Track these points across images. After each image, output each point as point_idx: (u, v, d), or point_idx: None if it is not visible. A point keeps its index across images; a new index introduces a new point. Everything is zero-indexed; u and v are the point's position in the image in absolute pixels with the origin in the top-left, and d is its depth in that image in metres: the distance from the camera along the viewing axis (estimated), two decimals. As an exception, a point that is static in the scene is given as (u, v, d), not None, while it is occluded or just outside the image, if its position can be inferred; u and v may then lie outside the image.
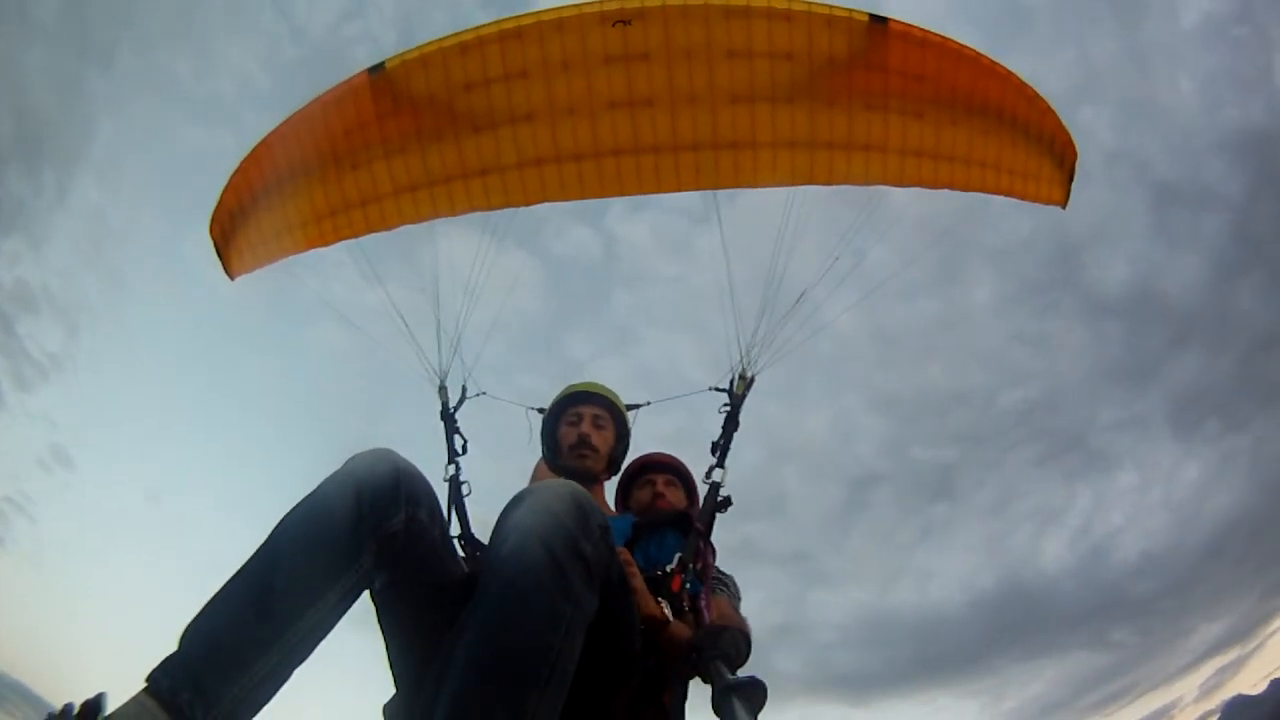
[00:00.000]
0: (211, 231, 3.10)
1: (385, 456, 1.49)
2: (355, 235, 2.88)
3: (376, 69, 2.73)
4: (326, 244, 2.93)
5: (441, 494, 2.63)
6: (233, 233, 3.07)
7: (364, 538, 1.39)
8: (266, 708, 1.28)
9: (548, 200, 2.68)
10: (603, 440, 2.55)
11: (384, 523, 1.42)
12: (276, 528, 1.39)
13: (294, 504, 1.42)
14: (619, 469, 2.69)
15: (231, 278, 3.20)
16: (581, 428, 2.52)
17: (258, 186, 2.96)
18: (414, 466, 1.55)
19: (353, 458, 1.50)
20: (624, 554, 1.93)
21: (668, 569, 2.16)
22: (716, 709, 1.54)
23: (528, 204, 2.68)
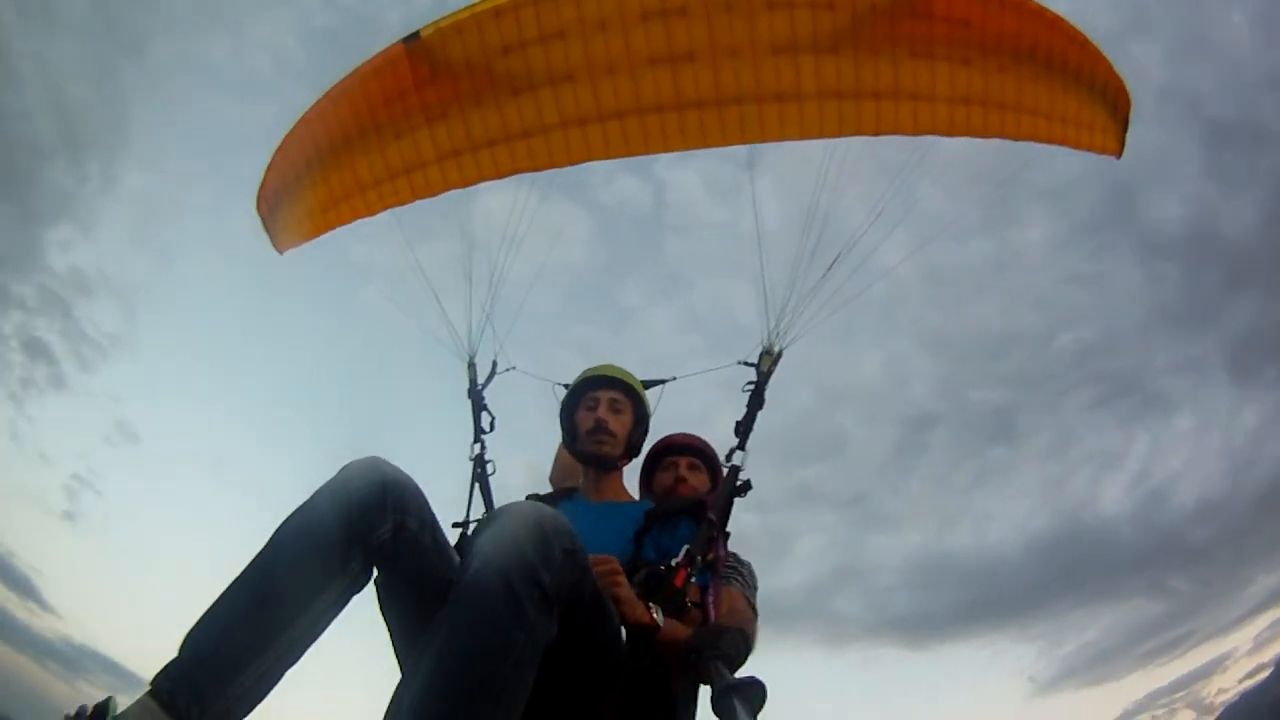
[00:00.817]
0: (259, 209, 3.15)
1: (375, 466, 1.56)
2: (401, 203, 2.89)
3: (412, 38, 2.72)
4: (372, 214, 2.95)
5: (462, 477, 2.65)
6: (279, 209, 3.12)
7: (352, 547, 1.47)
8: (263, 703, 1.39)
9: (593, 159, 2.65)
10: (620, 425, 2.49)
11: (372, 533, 1.49)
12: (271, 538, 1.46)
13: (289, 513, 1.49)
14: (638, 453, 2.64)
15: (281, 252, 3.25)
16: (598, 413, 2.48)
17: (300, 162, 2.99)
18: (404, 475, 1.60)
19: (344, 467, 1.56)
20: (609, 562, 1.90)
21: (673, 563, 2.13)
22: (716, 709, 1.54)
23: (572, 163, 2.66)
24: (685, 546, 2.16)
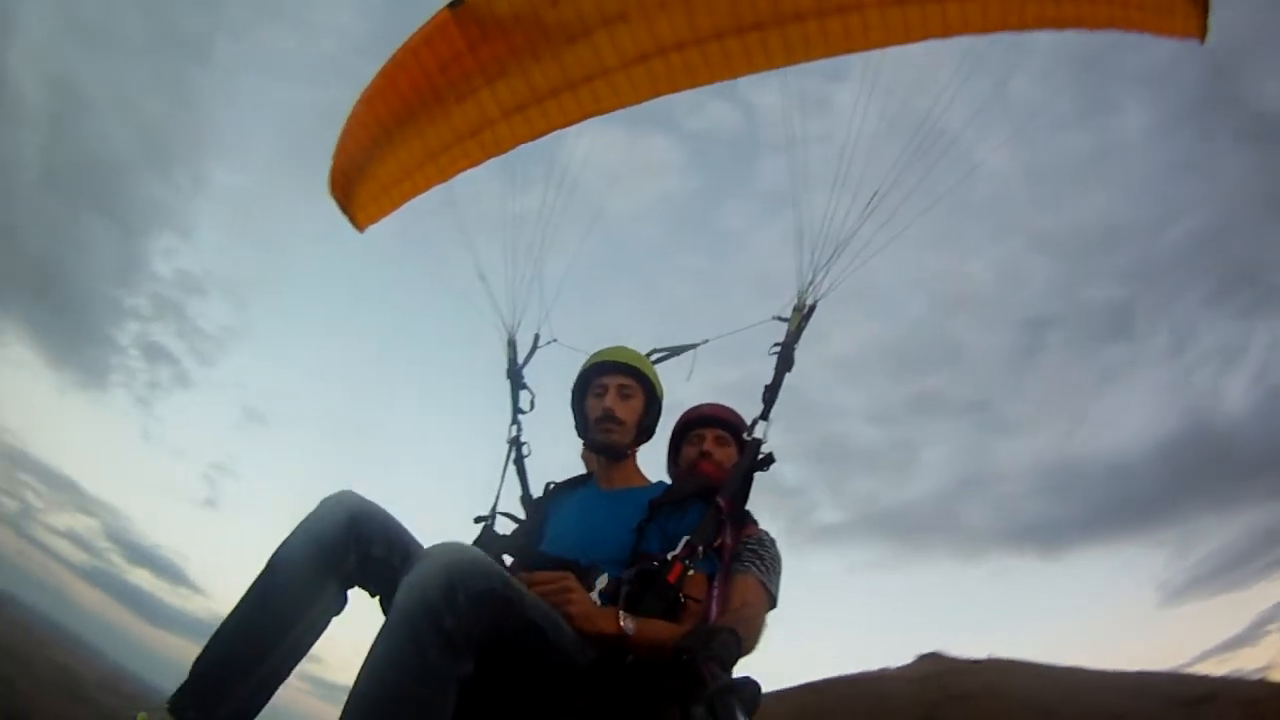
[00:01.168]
0: (333, 193, 3.24)
1: (341, 504, 1.77)
2: (473, 164, 2.93)
3: (457, 2, 2.73)
4: (446, 179, 3.00)
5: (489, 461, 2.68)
6: (352, 189, 3.20)
7: (325, 577, 1.72)
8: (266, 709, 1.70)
9: (659, 94, 2.61)
10: (629, 411, 2.42)
11: (340, 563, 1.72)
12: (259, 573, 1.72)
13: (275, 549, 1.73)
14: (651, 436, 2.55)
15: (360, 230, 3.35)
16: (606, 401, 2.41)
17: (366, 141, 3.05)
18: (370, 507, 1.80)
19: (320, 503, 1.78)
20: (562, 579, 1.91)
21: (669, 556, 2.07)
22: (712, 710, 1.54)
23: (639, 102, 2.63)
24: (685, 537, 2.11)
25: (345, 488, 1.82)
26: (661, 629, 1.94)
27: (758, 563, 2.29)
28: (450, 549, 1.55)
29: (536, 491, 2.71)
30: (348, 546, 1.72)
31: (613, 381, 2.44)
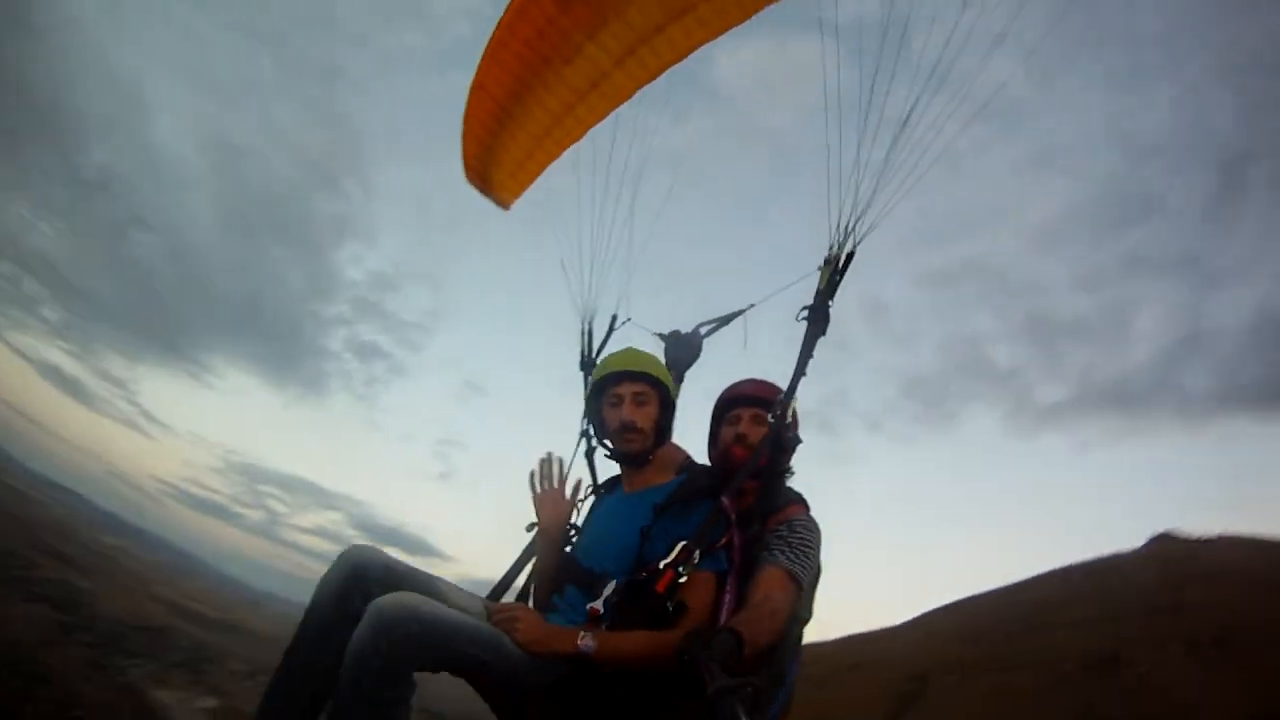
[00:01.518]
0: (470, 180, 3.51)
1: (347, 557, 2.08)
2: (599, 119, 3.08)
3: None
4: (575, 140, 3.17)
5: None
6: (488, 172, 3.46)
7: (339, 617, 1.99)
8: None
9: (765, 5, 2.58)
10: (646, 417, 2.45)
11: (348, 605, 2.00)
12: (302, 616, 2.06)
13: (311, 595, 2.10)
14: (668, 437, 2.54)
15: (506, 208, 3.62)
16: (624, 411, 2.44)
17: (490, 123, 3.26)
18: (373, 557, 2.09)
19: (339, 556, 2.09)
20: (508, 610, 2.08)
21: (661, 564, 2.09)
22: (712, 711, 1.56)
23: (747, 17, 2.62)
24: (681, 542, 2.13)
25: (358, 543, 2.18)
26: (635, 641, 2.02)
27: (785, 549, 2.25)
28: (383, 602, 1.84)
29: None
30: (351, 592, 2.03)
31: (628, 390, 2.46)
